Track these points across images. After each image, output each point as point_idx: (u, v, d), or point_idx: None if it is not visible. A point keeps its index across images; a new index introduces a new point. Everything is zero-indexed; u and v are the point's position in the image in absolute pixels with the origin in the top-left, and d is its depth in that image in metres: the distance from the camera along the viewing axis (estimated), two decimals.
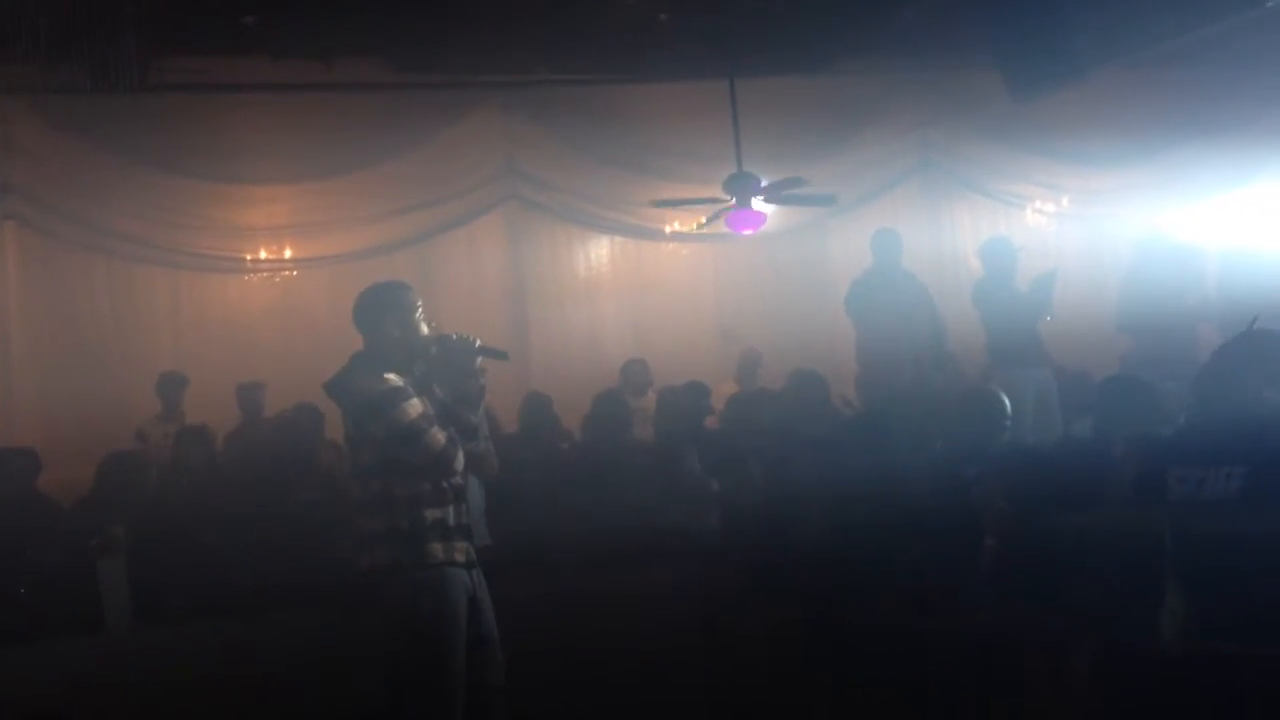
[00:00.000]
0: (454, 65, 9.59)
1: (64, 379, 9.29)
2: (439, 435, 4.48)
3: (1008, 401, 5.97)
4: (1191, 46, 9.04)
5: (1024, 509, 5.03)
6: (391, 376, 4.50)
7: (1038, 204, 11.29)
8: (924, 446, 6.19)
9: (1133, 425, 5.35)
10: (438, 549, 4.49)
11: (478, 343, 4.70)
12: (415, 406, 4.47)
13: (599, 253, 10.77)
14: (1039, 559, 4.83)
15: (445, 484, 4.54)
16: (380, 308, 4.66)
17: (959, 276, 9.27)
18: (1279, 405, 4.24)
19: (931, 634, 5.08)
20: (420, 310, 4.68)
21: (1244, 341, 4.51)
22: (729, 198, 9.26)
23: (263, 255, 9.66)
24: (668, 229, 10.36)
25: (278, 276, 9.91)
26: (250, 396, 8.91)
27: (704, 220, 9.69)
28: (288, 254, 9.73)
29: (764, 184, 9.14)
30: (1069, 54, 7.08)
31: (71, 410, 9.11)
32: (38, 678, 5.69)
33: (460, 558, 4.56)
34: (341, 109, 9.64)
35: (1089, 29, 7.00)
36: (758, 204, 9.20)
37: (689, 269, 10.85)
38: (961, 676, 4.93)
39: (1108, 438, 5.60)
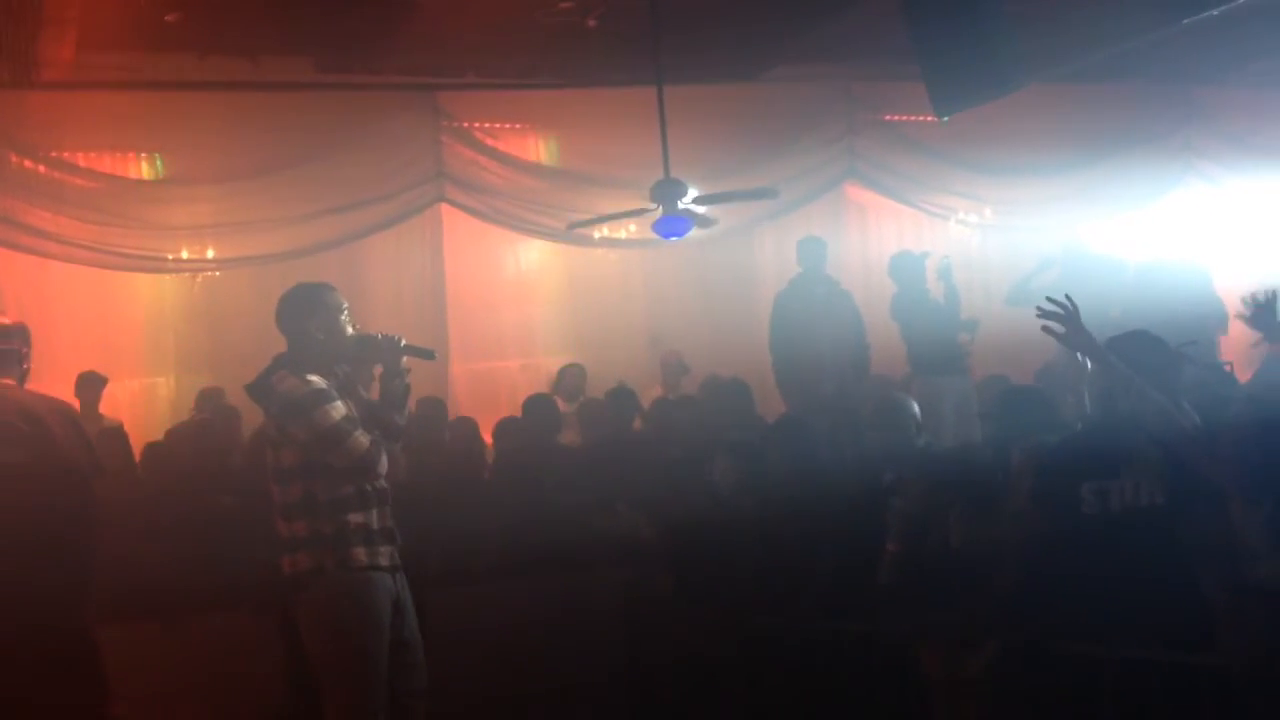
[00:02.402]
0: (382, 66, 9.54)
1: None
2: (363, 438, 4.45)
3: (917, 408, 6.04)
4: (1110, 62, 9.24)
5: (937, 514, 5.11)
6: (314, 378, 4.47)
7: (961, 214, 11.43)
8: (841, 452, 6.27)
9: (1027, 434, 5.46)
10: (361, 553, 4.47)
11: (403, 341, 4.68)
12: (339, 409, 4.45)
13: (527, 257, 10.76)
14: (941, 563, 4.93)
15: (369, 487, 4.52)
16: (304, 309, 4.61)
17: (884, 286, 9.39)
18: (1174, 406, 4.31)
19: (843, 636, 5.17)
20: (346, 312, 4.65)
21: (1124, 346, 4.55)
22: (655, 205, 9.29)
23: (185, 255, 9.53)
24: (596, 234, 10.36)
25: (200, 276, 9.78)
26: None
27: (632, 226, 9.71)
28: (210, 254, 9.60)
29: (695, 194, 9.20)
30: (992, 68, 7.19)
31: None
32: None
33: (384, 561, 4.54)
34: (269, 108, 9.54)
35: (1011, 44, 7.12)
36: (685, 210, 9.24)
37: (618, 274, 10.86)
38: (869, 677, 5.02)
39: (1009, 446, 5.69)
